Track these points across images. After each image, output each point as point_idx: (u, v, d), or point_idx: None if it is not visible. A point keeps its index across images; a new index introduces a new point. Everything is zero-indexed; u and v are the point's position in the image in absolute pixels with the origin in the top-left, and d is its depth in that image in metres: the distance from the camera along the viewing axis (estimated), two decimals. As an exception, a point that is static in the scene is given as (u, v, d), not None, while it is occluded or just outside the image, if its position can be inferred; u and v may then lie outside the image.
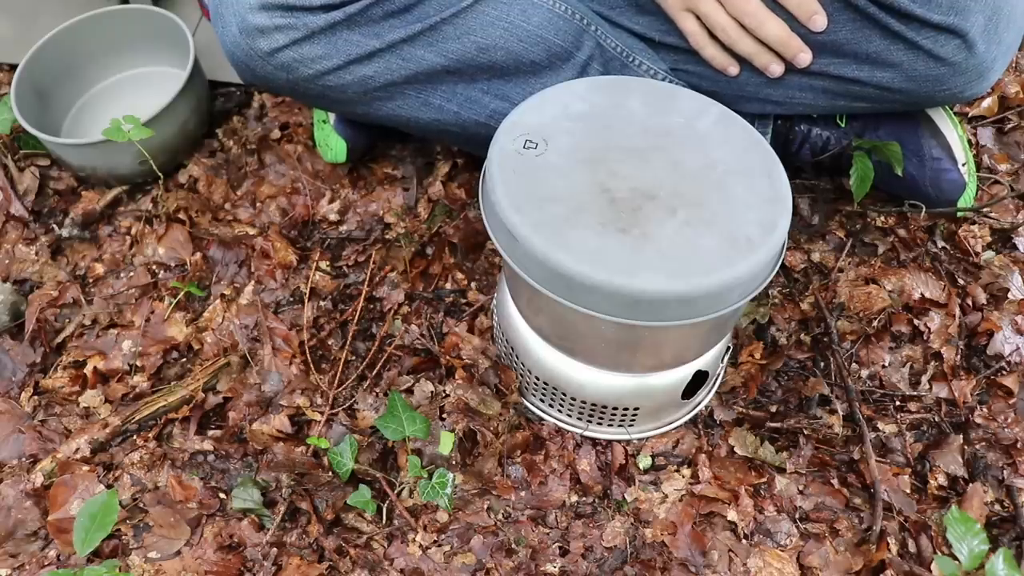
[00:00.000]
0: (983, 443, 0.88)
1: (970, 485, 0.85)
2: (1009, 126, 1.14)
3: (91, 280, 1.00)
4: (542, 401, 0.87)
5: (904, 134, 0.97)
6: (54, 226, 1.05)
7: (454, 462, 0.86)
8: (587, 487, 0.85)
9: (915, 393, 0.92)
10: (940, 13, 0.79)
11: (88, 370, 0.92)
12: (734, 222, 0.67)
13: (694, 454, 0.87)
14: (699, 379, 0.83)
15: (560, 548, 0.82)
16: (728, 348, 0.88)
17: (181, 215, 1.04)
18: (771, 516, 0.83)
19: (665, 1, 0.86)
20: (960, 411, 0.90)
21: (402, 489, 0.84)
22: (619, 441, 0.87)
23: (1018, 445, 0.88)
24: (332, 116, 1.05)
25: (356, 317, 0.96)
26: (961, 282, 0.99)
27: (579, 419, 0.86)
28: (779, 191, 0.70)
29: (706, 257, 0.65)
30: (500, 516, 0.84)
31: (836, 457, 0.87)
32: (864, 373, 0.93)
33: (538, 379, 0.85)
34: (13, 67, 1.20)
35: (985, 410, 0.90)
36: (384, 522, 0.83)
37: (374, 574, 0.79)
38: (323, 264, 1.01)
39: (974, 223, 1.04)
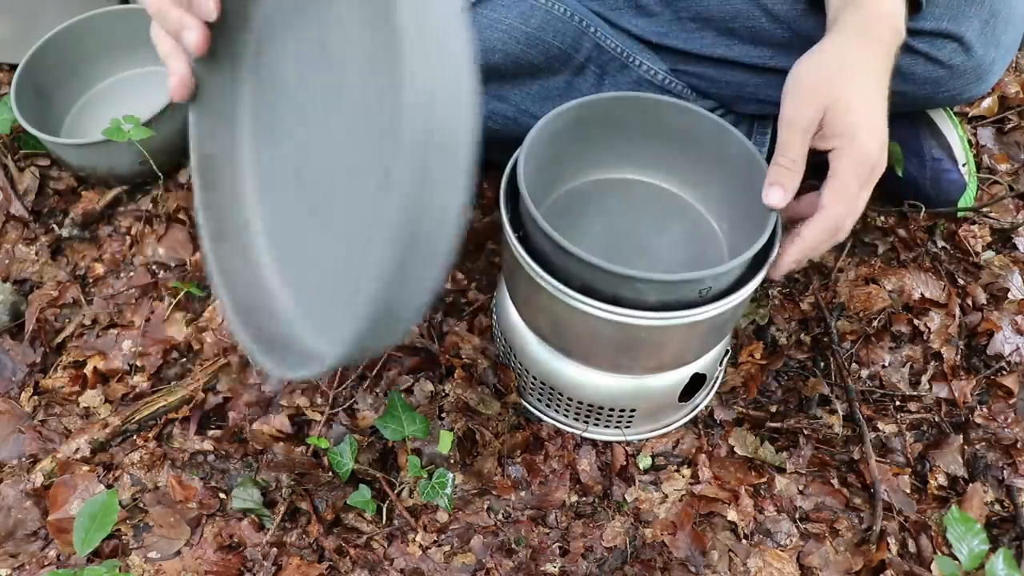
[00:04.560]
0: (983, 443, 0.88)
1: (970, 485, 0.85)
2: (1009, 126, 1.14)
3: (91, 280, 1.00)
4: (539, 401, 0.88)
5: (904, 135, 0.97)
6: (54, 226, 1.05)
7: (453, 461, 0.86)
8: (587, 487, 0.85)
9: (915, 393, 0.92)
10: (932, 20, 0.79)
11: (88, 370, 0.92)
12: None
13: (694, 454, 0.87)
14: (697, 382, 0.83)
15: (560, 548, 0.82)
16: (727, 351, 0.88)
17: (181, 215, 1.04)
18: (771, 516, 0.83)
19: None
20: (960, 411, 0.90)
21: (402, 489, 0.84)
22: (617, 442, 0.87)
23: (1018, 445, 0.88)
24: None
25: (356, 317, 0.96)
26: (961, 282, 0.99)
27: (576, 419, 0.86)
28: None
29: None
30: (500, 516, 0.84)
31: (836, 457, 0.87)
32: (864, 373, 0.93)
33: (535, 379, 0.85)
34: (13, 67, 1.20)
35: (985, 410, 0.90)
36: (384, 522, 0.83)
37: (374, 574, 0.79)
38: (323, 264, 1.01)
39: (974, 223, 1.04)
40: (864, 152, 0.65)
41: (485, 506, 0.84)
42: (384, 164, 0.44)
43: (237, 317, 0.59)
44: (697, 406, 0.89)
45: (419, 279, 0.40)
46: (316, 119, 0.55)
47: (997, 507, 0.85)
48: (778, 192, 0.67)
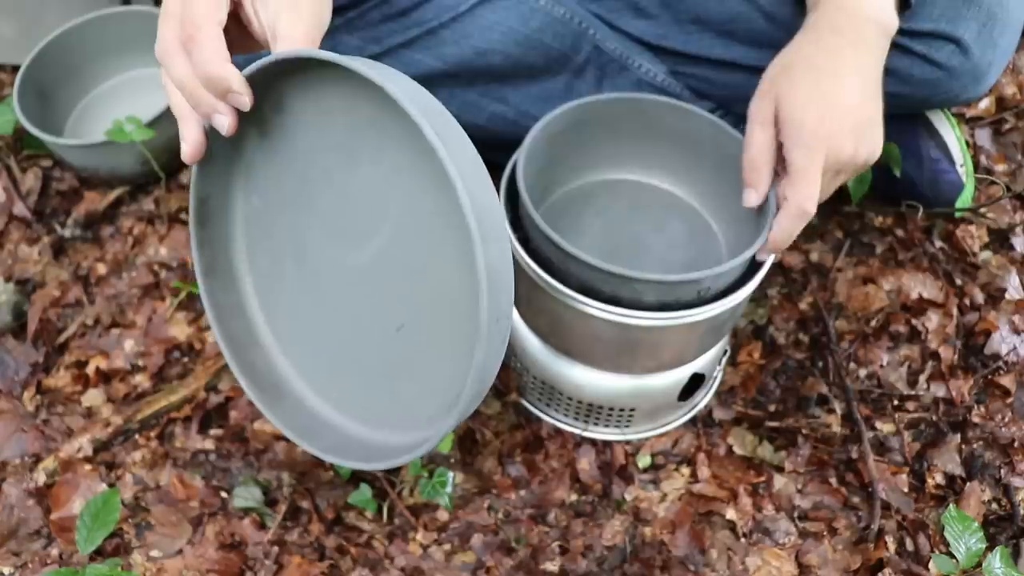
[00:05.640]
0: (980, 442, 0.89)
1: (967, 484, 0.85)
2: (1006, 127, 1.15)
3: (93, 280, 1.01)
4: (539, 400, 0.88)
5: (902, 136, 0.97)
6: (56, 226, 1.06)
7: (454, 460, 0.86)
8: (587, 486, 0.86)
9: (913, 392, 0.92)
10: (930, 21, 0.79)
11: (90, 370, 0.92)
12: None
13: (693, 453, 0.88)
14: (696, 381, 0.84)
15: (560, 547, 0.82)
16: (726, 351, 0.88)
17: (183, 215, 1.04)
18: (770, 515, 0.84)
19: None
20: (958, 410, 0.91)
21: (403, 488, 0.85)
22: (617, 441, 0.88)
23: (1015, 444, 0.88)
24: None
25: (357, 317, 0.97)
26: (959, 282, 0.99)
27: (576, 419, 0.87)
28: None
29: None
30: (500, 515, 0.84)
31: (834, 456, 0.87)
32: (862, 373, 0.93)
33: (535, 379, 0.85)
34: (16, 68, 1.20)
35: (982, 409, 0.91)
36: (385, 521, 0.83)
37: (375, 572, 0.80)
38: (324, 264, 1.02)
39: (971, 223, 1.04)
40: (808, 139, 0.67)
41: (485, 505, 0.84)
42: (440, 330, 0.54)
43: (229, 351, 0.64)
44: (696, 405, 0.90)
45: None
46: (335, 225, 0.58)
47: (994, 506, 0.85)
48: (751, 194, 0.71)
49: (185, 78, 0.53)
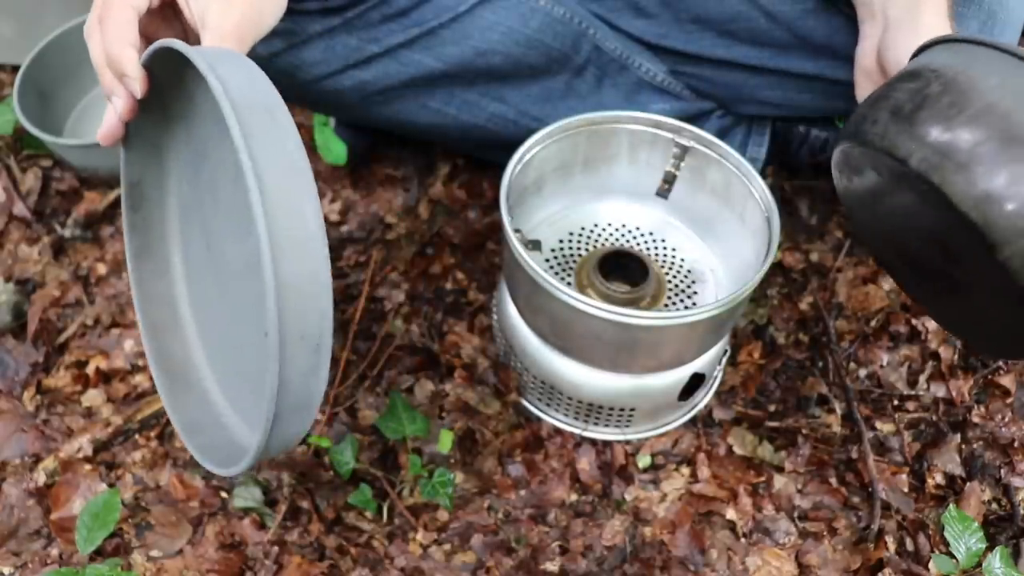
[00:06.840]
0: (980, 442, 0.89)
1: (967, 484, 0.85)
2: (1007, 126, 1.14)
3: (93, 280, 1.01)
4: (539, 400, 0.88)
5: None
6: (56, 226, 1.06)
7: (453, 461, 0.86)
8: (586, 486, 0.86)
9: (913, 392, 0.92)
10: None
11: (90, 370, 0.92)
12: None
13: (693, 453, 0.88)
14: (696, 381, 0.84)
15: (560, 547, 0.82)
16: (726, 351, 0.88)
17: (183, 215, 1.04)
18: (770, 515, 0.84)
19: None
20: (958, 410, 0.91)
21: (403, 488, 0.85)
22: (617, 441, 0.88)
23: (1015, 444, 0.88)
24: (332, 119, 1.06)
25: (357, 317, 0.97)
26: (959, 282, 0.99)
27: (576, 419, 0.87)
28: None
29: None
30: (500, 515, 0.84)
31: (834, 456, 0.87)
32: (862, 372, 0.93)
33: (535, 378, 0.85)
34: (16, 68, 1.20)
35: (982, 409, 0.91)
36: (385, 521, 0.83)
37: (375, 573, 0.80)
38: (324, 264, 1.02)
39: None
40: None
41: (485, 505, 0.84)
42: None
43: (148, 336, 0.64)
44: (696, 405, 0.90)
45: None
46: (229, 218, 0.57)
47: (994, 506, 0.85)
48: None
49: (96, 58, 0.54)
